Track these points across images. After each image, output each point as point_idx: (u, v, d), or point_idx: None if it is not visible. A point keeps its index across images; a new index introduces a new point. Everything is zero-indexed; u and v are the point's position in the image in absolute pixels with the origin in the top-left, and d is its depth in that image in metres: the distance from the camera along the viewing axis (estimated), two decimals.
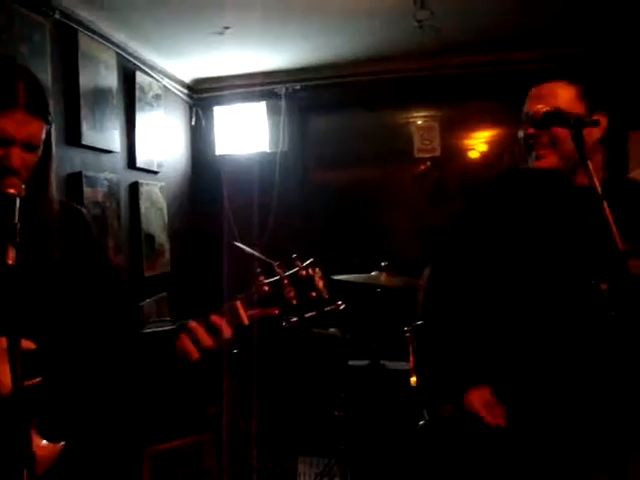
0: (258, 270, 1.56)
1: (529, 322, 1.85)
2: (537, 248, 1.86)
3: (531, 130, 1.82)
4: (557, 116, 1.67)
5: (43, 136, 1.50)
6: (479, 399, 1.89)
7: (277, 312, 1.54)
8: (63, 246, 1.59)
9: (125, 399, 1.66)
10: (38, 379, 1.39)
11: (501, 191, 2.00)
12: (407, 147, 5.10)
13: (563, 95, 1.81)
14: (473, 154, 5.15)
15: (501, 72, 4.74)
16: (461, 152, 5.17)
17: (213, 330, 1.52)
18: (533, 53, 4.59)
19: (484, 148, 5.13)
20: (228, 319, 1.52)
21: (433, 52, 4.49)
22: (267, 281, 1.53)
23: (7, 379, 1.22)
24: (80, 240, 1.68)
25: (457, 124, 5.14)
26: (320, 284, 1.55)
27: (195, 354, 1.51)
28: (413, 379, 3.39)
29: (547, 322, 1.82)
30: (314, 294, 1.54)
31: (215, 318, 1.52)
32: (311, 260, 1.56)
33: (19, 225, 1.27)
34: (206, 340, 1.51)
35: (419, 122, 5.14)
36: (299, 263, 1.54)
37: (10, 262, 1.20)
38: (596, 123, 1.68)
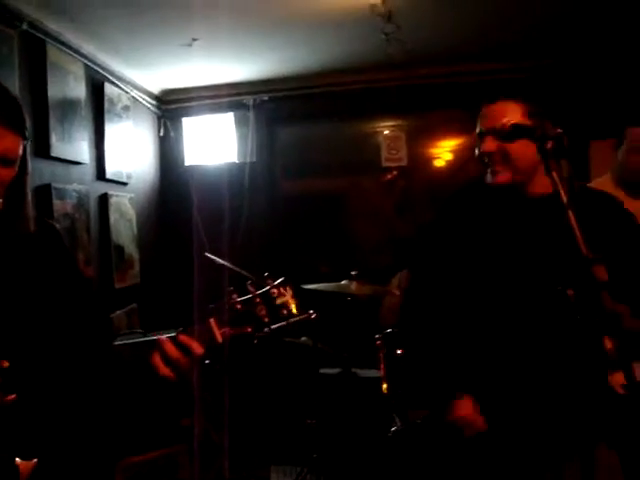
0: (231, 288, 1.57)
1: (500, 327, 1.90)
2: (503, 257, 1.93)
3: (493, 146, 1.93)
4: (523, 129, 1.74)
5: (20, 151, 1.45)
6: (462, 411, 1.94)
7: (250, 330, 1.56)
8: (38, 263, 1.57)
9: (99, 413, 1.66)
10: (12, 396, 1.38)
11: (466, 203, 2.08)
12: (374, 157, 5.16)
13: (513, 113, 1.90)
14: (439, 163, 5.23)
15: (466, 82, 4.82)
16: (427, 161, 5.24)
17: (184, 349, 1.52)
18: (498, 64, 4.70)
19: (450, 157, 5.21)
20: (200, 337, 1.53)
21: (400, 63, 4.54)
22: (240, 299, 1.55)
23: None
24: (55, 256, 1.64)
25: (423, 134, 5.22)
26: (291, 302, 1.58)
27: (170, 375, 1.52)
28: (384, 386, 3.43)
29: (517, 326, 1.88)
30: (285, 312, 1.57)
31: (183, 338, 1.52)
32: (282, 279, 1.59)
33: None
34: (180, 359, 1.52)
35: (386, 132, 5.20)
36: (271, 282, 1.57)
37: None
38: (560, 137, 1.73)
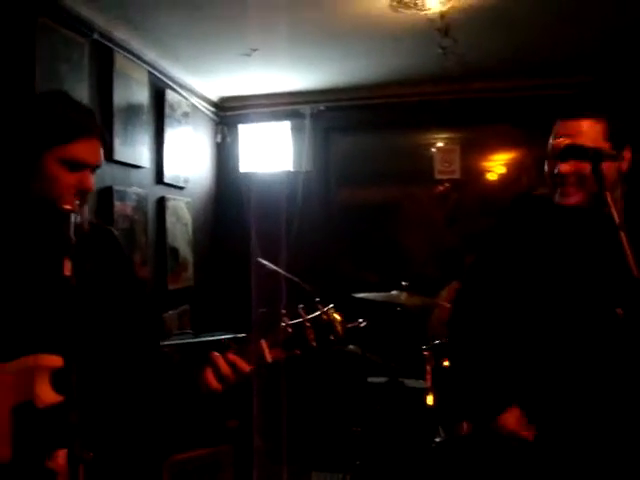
0: (284, 311, 1.65)
1: (551, 346, 1.88)
2: (558, 274, 1.90)
3: (553, 163, 1.86)
4: (577, 149, 1.74)
5: None
6: (513, 421, 1.92)
7: (298, 353, 1.63)
8: (95, 262, 1.65)
9: (148, 411, 1.74)
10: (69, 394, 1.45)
11: (527, 216, 2.02)
12: (428, 169, 5.17)
13: (589, 132, 1.82)
14: (491, 176, 5.23)
15: (518, 97, 4.84)
16: (480, 174, 5.24)
17: (234, 366, 1.60)
18: (552, 79, 4.69)
19: (502, 170, 5.20)
20: (251, 356, 1.61)
21: (455, 77, 4.59)
22: (291, 323, 1.62)
23: (44, 393, 1.31)
24: (111, 257, 1.74)
25: (476, 147, 5.22)
26: (339, 328, 1.64)
27: (219, 389, 1.59)
28: (430, 398, 3.44)
29: (568, 346, 1.86)
30: (333, 337, 1.64)
31: (233, 357, 1.60)
32: (332, 305, 1.65)
33: (74, 239, 1.35)
34: (229, 375, 1.59)
35: (440, 144, 5.22)
36: (321, 307, 1.64)
37: (67, 273, 1.28)
38: (614, 157, 1.73)
